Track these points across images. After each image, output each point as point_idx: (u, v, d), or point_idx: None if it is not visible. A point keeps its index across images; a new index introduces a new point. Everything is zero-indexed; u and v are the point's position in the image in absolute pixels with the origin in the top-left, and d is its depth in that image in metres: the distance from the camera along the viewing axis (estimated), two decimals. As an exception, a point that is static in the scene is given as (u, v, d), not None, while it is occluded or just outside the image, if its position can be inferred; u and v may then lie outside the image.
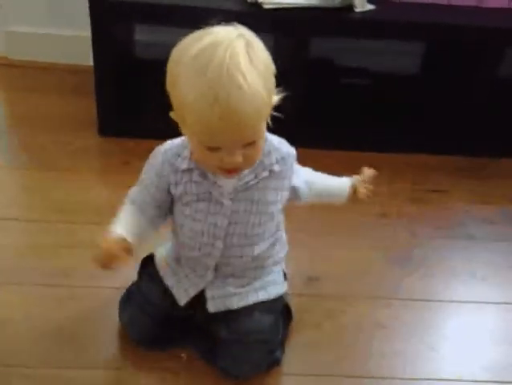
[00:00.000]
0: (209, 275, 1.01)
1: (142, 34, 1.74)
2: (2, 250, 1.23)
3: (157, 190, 0.95)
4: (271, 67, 0.84)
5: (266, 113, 0.84)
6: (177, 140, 0.94)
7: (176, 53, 0.82)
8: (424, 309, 1.20)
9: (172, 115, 0.86)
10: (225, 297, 1.02)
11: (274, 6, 1.41)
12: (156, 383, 1.02)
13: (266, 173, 0.94)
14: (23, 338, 1.07)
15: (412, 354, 1.12)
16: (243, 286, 1.03)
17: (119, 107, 1.57)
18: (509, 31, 1.47)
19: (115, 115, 1.57)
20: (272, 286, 1.05)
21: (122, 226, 0.93)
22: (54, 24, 1.80)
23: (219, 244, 0.96)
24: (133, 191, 0.98)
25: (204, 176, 0.92)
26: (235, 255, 0.98)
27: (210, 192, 0.93)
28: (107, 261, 0.88)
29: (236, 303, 1.02)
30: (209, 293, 1.02)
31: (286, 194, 0.98)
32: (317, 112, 1.64)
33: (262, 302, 1.03)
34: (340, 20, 1.45)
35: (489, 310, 1.22)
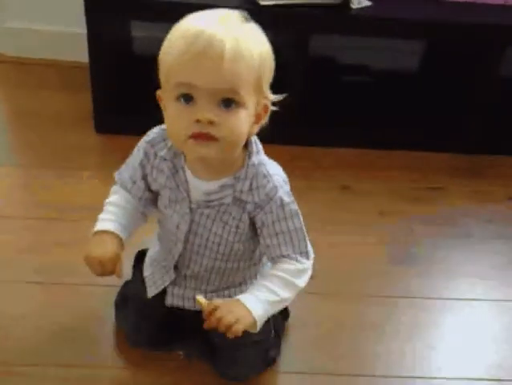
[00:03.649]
0: (171, 272, 0.99)
1: (138, 31, 1.73)
2: (5, 248, 1.22)
3: (135, 173, 0.93)
4: (270, 55, 0.82)
5: (252, 78, 0.79)
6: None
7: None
8: (424, 307, 1.20)
9: (157, 93, 0.84)
10: (183, 298, 1.01)
11: (272, 3, 1.40)
12: (154, 382, 1.02)
13: (229, 199, 0.87)
14: (22, 337, 1.06)
15: (411, 353, 1.11)
16: (207, 291, 0.99)
17: (115, 103, 1.56)
18: (506, 28, 1.47)
19: (112, 112, 1.56)
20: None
21: (111, 219, 0.91)
22: (50, 21, 1.79)
23: (179, 246, 0.94)
24: (120, 171, 0.97)
25: (175, 170, 0.89)
26: (195, 262, 0.96)
27: (177, 190, 0.90)
28: (100, 274, 0.88)
29: (194, 305, 0.97)
30: (169, 288, 1.01)
31: (246, 229, 0.90)
32: (315, 110, 1.63)
33: None
34: (337, 17, 1.44)
35: (488, 309, 1.22)
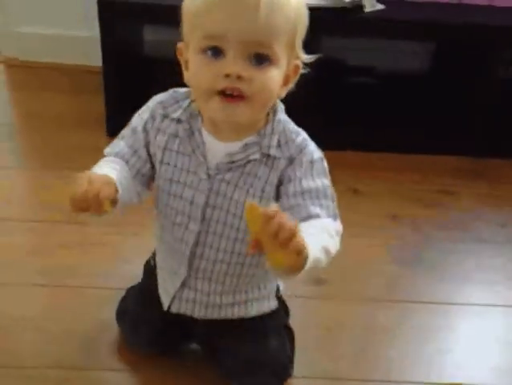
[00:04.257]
0: (183, 270, 0.87)
1: (150, 34, 1.74)
2: (10, 250, 1.23)
3: (136, 140, 0.84)
4: (305, 8, 0.77)
5: (288, 31, 0.72)
6: (182, 90, 0.83)
7: None
8: (435, 312, 1.19)
9: (178, 46, 0.77)
10: (194, 302, 0.91)
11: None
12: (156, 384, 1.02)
13: (256, 155, 0.78)
14: (23, 338, 1.06)
15: (422, 358, 1.10)
16: (217, 294, 0.89)
17: (127, 107, 1.56)
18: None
19: (124, 116, 1.56)
20: (256, 303, 0.93)
21: (105, 170, 0.79)
22: (63, 25, 1.80)
23: (193, 226, 0.82)
24: (111, 145, 0.88)
25: (191, 132, 0.80)
26: (211, 245, 0.84)
27: (191, 157, 0.80)
28: (86, 200, 0.71)
29: (202, 312, 0.91)
30: (177, 292, 0.90)
31: (272, 193, 0.80)
32: (323, 112, 1.63)
33: (261, 321, 0.94)
34: (350, 20, 1.44)
35: (500, 314, 1.21)
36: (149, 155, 0.84)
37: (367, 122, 1.64)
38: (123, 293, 1.09)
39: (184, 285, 0.89)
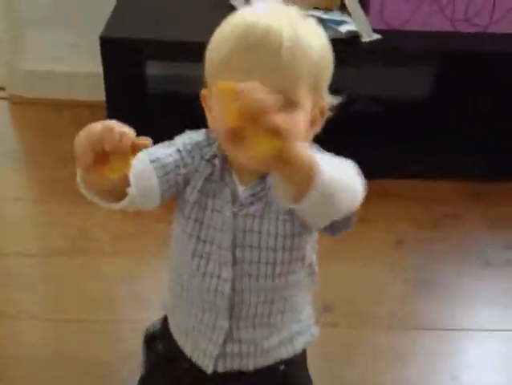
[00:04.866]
0: (223, 324, 0.79)
1: (153, 69, 1.77)
2: (23, 285, 1.24)
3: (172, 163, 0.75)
4: (330, 51, 0.74)
5: (312, 75, 0.70)
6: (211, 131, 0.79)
7: None
8: (443, 337, 1.19)
9: (202, 92, 0.74)
10: (239, 356, 0.81)
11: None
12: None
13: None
14: (44, 375, 1.06)
15: (432, 384, 1.10)
16: (264, 339, 0.81)
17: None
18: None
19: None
20: (300, 336, 0.86)
21: None
22: (66, 62, 1.83)
23: (226, 273, 0.76)
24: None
25: (223, 174, 0.76)
26: (250, 289, 0.77)
27: (220, 197, 0.75)
28: (104, 138, 0.62)
29: (251, 363, 0.82)
30: (220, 351, 0.80)
31: None
32: (326, 141, 1.64)
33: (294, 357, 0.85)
34: (348, 50, 1.46)
35: (509, 337, 1.20)
36: (180, 182, 0.77)
37: (368, 149, 1.65)
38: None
39: (226, 340, 0.80)
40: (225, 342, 0.80)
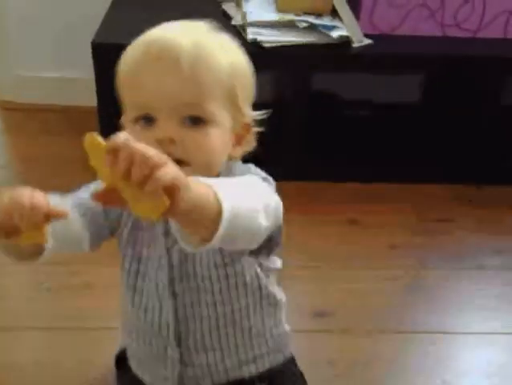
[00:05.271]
0: (173, 352, 0.79)
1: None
2: (14, 293, 1.23)
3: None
4: (245, 67, 0.71)
5: (221, 90, 0.67)
6: None
7: None
8: (434, 341, 1.19)
9: (121, 119, 0.72)
10: (200, 377, 0.81)
11: (274, 45, 1.43)
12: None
13: None
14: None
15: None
16: (221, 361, 0.81)
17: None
18: (505, 60, 1.49)
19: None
20: (267, 357, 0.84)
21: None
22: (58, 67, 1.83)
23: (166, 306, 0.76)
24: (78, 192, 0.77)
25: None
26: (194, 316, 0.77)
27: (150, 231, 0.73)
28: (12, 212, 0.57)
29: (210, 382, 0.82)
30: (178, 376, 0.80)
31: None
32: (319, 146, 1.65)
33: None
34: (339, 55, 1.47)
35: (503, 342, 1.20)
36: (109, 220, 0.75)
37: (360, 154, 1.66)
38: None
39: (181, 366, 0.81)
40: (180, 367, 0.80)
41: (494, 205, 1.58)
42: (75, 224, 0.71)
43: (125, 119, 0.71)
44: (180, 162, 0.63)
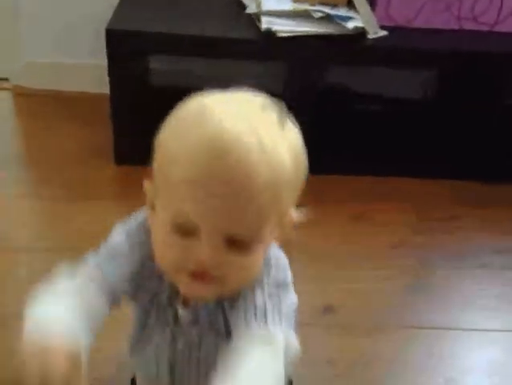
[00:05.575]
0: None
1: (157, 62, 1.76)
2: (25, 281, 1.23)
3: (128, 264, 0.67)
4: (304, 164, 0.62)
5: (281, 205, 0.59)
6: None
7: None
8: (437, 338, 1.18)
9: (146, 185, 0.64)
10: None
11: (288, 34, 1.42)
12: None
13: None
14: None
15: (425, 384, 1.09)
16: None
17: (135, 135, 1.58)
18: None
19: (132, 144, 1.58)
20: None
21: (66, 319, 0.57)
22: (71, 53, 1.83)
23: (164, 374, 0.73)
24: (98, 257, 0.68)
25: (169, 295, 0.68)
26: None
27: (165, 310, 0.69)
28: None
29: None
30: None
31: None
32: (329, 139, 1.64)
33: None
34: (353, 47, 1.46)
35: (504, 339, 1.20)
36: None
37: (373, 148, 1.65)
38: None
39: None
40: None
41: (499, 204, 1.56)
42: (102, 310, 0.65)
43: (158, 203, 0.62)
44: (213, 278, 0.59)
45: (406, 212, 1.51)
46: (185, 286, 0.62)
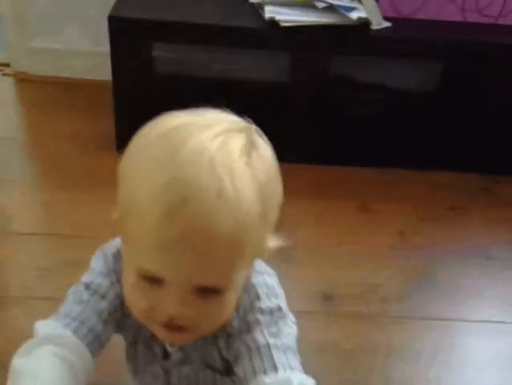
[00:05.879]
0: None
1: (160, 50, 1.76)
2: (24, 267, 1.23)
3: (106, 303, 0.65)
4: (278, 190, 0.57)
5: (251, 249, 0.55)
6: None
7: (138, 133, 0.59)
8: (443, 329, 1.18)
9: (114, 216, 0.60)
10: None
11: (291, 24, 1.41)
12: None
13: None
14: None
15: (433, 378, 1.09)
16: None
17: (137, 123, 1.58)
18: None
19: (134, 133, 1.58)
20: None
21: None
22: (73, 40, 1.82)
23: None
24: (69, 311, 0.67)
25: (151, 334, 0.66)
26: None
27: (151, 349, 0.69)
28: None
29: None
30: None
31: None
32: (332, 129, 1.64)
33: None
34: (356, 38, 1.45)
35: (510, 332, 1.20)
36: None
37: (377, 138, 1.65)
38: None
39: None
40: None
41: (506, 195, 1.56)
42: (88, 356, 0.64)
43: (125, 259, 0.59)
44: (186, 328, 0.57)
45: (414, 201, 1.50)
46: (160, 334, 0.61)
